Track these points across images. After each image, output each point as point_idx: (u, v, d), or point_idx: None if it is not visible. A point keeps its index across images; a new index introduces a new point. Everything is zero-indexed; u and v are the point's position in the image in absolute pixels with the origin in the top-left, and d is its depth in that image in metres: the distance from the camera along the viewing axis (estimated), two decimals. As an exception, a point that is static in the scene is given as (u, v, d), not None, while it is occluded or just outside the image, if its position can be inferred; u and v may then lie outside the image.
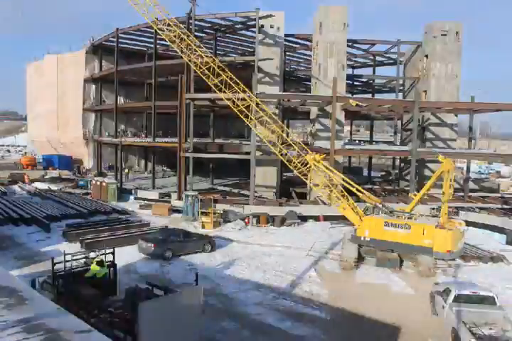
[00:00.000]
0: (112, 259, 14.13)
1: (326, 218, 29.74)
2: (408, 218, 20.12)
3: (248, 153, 34.44)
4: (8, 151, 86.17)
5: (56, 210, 29.49)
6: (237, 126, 72.02)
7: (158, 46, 42.79)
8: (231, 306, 15.37)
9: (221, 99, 39.02)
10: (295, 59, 52.93)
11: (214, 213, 27.43)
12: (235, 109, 26.07)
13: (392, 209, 21.28)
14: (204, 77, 25.98)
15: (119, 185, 37.99)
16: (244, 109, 25.84)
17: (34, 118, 64.00)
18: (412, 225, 19.37)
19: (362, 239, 20.48)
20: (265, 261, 20.81)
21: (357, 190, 21.88)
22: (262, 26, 35.95)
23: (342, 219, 29.70)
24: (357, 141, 60.58)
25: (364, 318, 14.63)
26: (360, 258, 20.53)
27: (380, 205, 21.25)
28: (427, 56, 39.55)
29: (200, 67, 25.80)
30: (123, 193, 37.19)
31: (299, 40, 43.53)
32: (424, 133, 39.24)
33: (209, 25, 40.16)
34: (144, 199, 34.88)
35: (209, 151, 41.88)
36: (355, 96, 52.36)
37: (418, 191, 37.06)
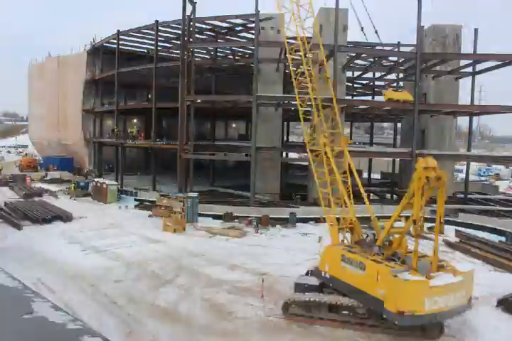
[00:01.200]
0: None
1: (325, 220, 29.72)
2: (376, 254, 14.15)
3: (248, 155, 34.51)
4: (9, 152, 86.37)
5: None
6: (238, 128, 72.05)
7: (159, 48, 42.91)
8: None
9: (221, 101, 39.52)
10: (295, 60, 52.96)
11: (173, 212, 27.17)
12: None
13: (372, 242, 15.02)
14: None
15: (119, 186, 38.09)
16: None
17: (34, 119, 64.12)
18: (367, 265, 13.56)
19: (322, 274, 15.33)
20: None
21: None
22: (263, 28, 36.10)
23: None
24: (357, 143, 60.69)
25: None
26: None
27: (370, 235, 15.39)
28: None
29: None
30: (123, 194, 37.32)
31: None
32: (423, 135, 39.31)
33: (209, 27, 40.29)
34: (144, 201, 34.96)
35: (209, 153, 41.92)
36: (355, 98, 52.48)
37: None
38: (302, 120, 18.97)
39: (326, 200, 16.87)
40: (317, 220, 29.62)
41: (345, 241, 16.06)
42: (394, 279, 12.37)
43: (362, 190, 17.27)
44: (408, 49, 42.18)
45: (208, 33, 42.18)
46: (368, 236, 15.43)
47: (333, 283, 14.85)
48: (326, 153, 17.00)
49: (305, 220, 29.51)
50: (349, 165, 17.06)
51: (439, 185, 12.58)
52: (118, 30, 42.84)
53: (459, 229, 26.96)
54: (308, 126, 19.54)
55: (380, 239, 14.36)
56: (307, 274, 16.24)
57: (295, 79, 18.90)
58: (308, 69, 18.82)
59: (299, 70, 18.96)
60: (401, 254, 13.67)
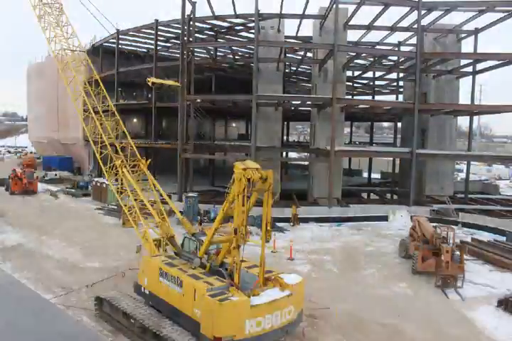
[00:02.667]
0: None
1: (326, 220, 29.74)
2: (197, 267, 12.51)
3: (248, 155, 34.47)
4: (9, 152, 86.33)
5: None
6: (238, 128, 72.02)
7: (158, 48, 42.86)
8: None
9: (221, 101, 39.49)
10: (295, 60, 52.97)
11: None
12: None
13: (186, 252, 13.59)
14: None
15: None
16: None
17: (34, 119, 64.08)
18: (184, 281, 11.79)
19: (142, 289, 13.53)
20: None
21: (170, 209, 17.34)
22: (263, 28, 36.05)
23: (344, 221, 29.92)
24: (357, 143, 60.69)
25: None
26: None
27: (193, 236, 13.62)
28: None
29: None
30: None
31: (300, 41, 43.55)
32: (424, 134, 39.28)
33: (209, 26, 40.23)
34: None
35: (209, 152, 41.89)
36: (355, 98, 52.46)
37: (420, 193, 37.45)
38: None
39: (133, 214, 15.97)
40: (318, 220, 29.63)
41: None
42: (209, 300, 10.65)
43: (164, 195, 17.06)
44: (408, 48, 42.20)
45: (208, 32, 42.13)
46: (184, 242, 13.90)
47: (153, 300, 12.96)
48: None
49: (305, 220, 29.45)
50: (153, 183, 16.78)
51: (266, 186, 11.35)
52: (117, 30, 42.78)
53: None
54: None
55: (202, 249, 12.62)
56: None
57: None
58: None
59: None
60: (229, 265, 12.06)
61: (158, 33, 40.75)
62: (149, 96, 42.65)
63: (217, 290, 11.01)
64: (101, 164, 17.15)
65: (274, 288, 11.68)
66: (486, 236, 26.04)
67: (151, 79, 22.30)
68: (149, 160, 17.70)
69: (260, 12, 32.44)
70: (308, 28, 39.94)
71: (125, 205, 16.40)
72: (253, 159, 32.31)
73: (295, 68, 49.10)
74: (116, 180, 16.86)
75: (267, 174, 11.20)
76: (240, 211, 11.02)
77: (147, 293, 13.24)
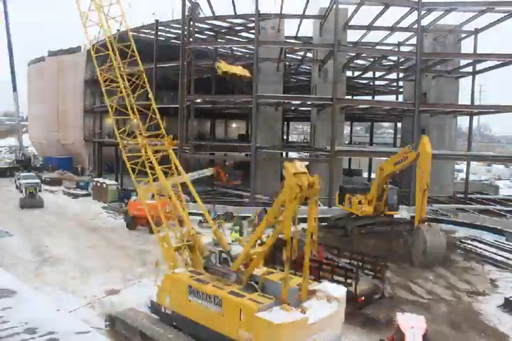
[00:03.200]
0: None
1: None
2: (233, 283, 11.11)
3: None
4: (9, 152, 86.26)
5: None
6: (238, 128, 72.01)
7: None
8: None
9: (222, 101, 39.52)
10: (295, 60, 53.01)
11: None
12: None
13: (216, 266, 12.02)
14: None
15: (119, 186, 38.00)
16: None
17: (34, 119, 64.08)
18: (224, 300, 10.50)
19: (162, 309, 12.21)
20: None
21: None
22: (263, 28, 36.05)
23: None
24: (357, 143, 60.70)
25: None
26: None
27: (223, 253, 12.28)
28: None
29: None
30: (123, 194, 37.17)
31: (300, 41, 43.60)
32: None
33: (209, 26, 40.25)
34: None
35: (209, 153, 41.90)
36: (355, 98, 52.48)
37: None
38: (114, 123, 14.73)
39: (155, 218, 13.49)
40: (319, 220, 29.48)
41: (188, 264, 12.84)
42: (263, 320, 9.36)
43: (195, 195, 13.95)
44: (408, 49, 42.23)
45: (208, 32, 42.14)
46: (211, 254, 12.32)
47: (178, 321, 11.69)
48: (148, 157, 13.55)
49: (305, 220, 29.29)
50: (176, 167, 13.95)
51: (312, 193, 10.02)
52: (118, 30, 42.74)
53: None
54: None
55: (237, 263, 11.33)
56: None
57: (100, 74, 15.37)
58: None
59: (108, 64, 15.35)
60: (259, 278, 11.24)
61: (159, 33, 40.74)
62: (149, 96, 42.55)
63: (268, 308, 9.78)
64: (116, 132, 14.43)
65: (321, 301, 10.46)
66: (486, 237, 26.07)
67: (221, 66, 16.83)
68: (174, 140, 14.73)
69: (260, 12, 32.45)
70: (308, 28, 40.02)
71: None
72: (253, 159, 32.40)
73: (295, 68, 49.15)
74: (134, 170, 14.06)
75: (314, 179, 9.91)
76: (290, 221, 9.90)
77: (169, 312, 11.88)
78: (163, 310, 12.13)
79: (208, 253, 12.35)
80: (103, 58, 15.80)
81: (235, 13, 34.99)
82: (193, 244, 12.64)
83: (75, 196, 37.87)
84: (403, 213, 28.86)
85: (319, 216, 28.74)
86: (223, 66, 16.99)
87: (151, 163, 13.43)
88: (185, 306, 11.39)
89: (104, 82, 15.07)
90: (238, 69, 17.48)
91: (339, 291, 10.92)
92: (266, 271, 11.80)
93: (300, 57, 41.93)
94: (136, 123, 13.86)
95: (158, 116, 14.92)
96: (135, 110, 14.22)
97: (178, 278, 11.89)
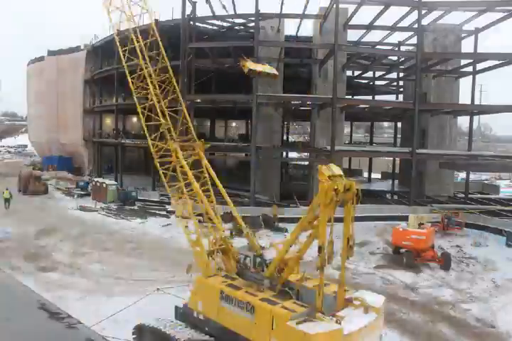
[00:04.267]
0: None
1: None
2: (266, 288, 10.87)
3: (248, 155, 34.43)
4: (9, 152, 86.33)
5: None
6: (237, 127, 71.93)
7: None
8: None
9: (221, 101, 39.47)
10: (295, 60, 52.93)
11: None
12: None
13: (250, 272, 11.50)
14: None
15: (119, 186, 37.97)
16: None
17: (33, 119, 64.03)
18: (257, 307, 10.17)
19: (195, 315, 11.84)
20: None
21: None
22: (262, 28, 36.01)
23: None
24: (357, 143, 60.64)
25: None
26: None
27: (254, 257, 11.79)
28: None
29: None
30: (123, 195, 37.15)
31: (299, 41, 43.57)
32: (424, 134, 39.26)
33: (210, 26, 40.18)
34: (145, 201, 34.86)
35: (209, 153, 41.81)
36: (355, 97, 52.40)
37: (420, 192, 37.41)
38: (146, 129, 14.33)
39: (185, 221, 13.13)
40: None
41: (221, 269, 12.54)
42: (295, 330, 9.00)
43: (226, 198, 13.65)
44: (409, 48, 42.18)
45: (208, 32, 42.03)
46: (244, 258, 11.83)
47: (210, 326, 11.38)
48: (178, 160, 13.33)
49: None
50: (208, 171, 13.80)
51: (348, 197, 9.81)
52: (118, 30, 42.70)
53: None
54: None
55: (271, 269, 10.97)
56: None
57: (132, 82, 14.95)
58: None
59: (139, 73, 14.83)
60: (295, 285, 10.92)
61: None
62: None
63: (302, 317, 9.34)
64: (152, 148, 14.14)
65: (357, 311, 9.95)
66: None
67: (247, 64, 14.89)
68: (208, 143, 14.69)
69: (260, 12, 32.41)
70: (308, 28, 39.98)
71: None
72: (253, 159, 32.33)
73: (295, 67, 49.01)
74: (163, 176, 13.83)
75: (350, 183, 9.69)
76: (325, 227, 9.55)
77: (201, 318, 11.55)
78: (195, 315, 11.77)
79: (241, 257, 11.94)
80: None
81: (235, 12, 34.95)
82: (226, 248, 12.40)
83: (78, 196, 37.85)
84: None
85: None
86: (250, 64, 15.13)
87: (182, 167, 13.29)
88: (217, 312, 11.05)
89: (136, 89, 14.96)
90: (267, 68, 15.84)
91: (378, 300, 10.38)
92: (302, 276, 11.27)
93: (300, 57, 41.82)
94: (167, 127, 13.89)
95: (189, 119, 14.94)
96: (166, 115, 14.16)
97: (210, 283, 11.58)
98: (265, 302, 10.12)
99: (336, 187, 9.29)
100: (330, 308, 9.92)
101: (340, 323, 9.23)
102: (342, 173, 9.72)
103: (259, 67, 15.40)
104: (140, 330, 12.11)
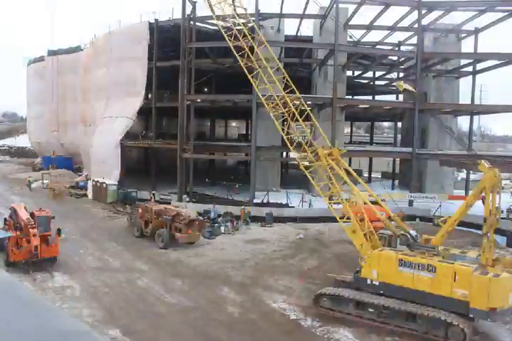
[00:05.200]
0: None
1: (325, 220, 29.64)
2: (433, 255, 14.35)
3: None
4: (9, 153, 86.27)
5: None
6: (237, 127, 71.95)
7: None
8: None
9: (221, 101, 39.43)
10: (295, 60, 52.93)
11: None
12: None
13: (418, 244, 15.22)
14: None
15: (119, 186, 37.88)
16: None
17: (33, 119, 63.99)
18: (438, 266, 13.50)
19: (368, 282, 14.93)
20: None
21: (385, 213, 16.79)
22: (262, 27, 35.99)
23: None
24: (357, 143, 60.57)
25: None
26: None
27: (409, 235, 15.38)
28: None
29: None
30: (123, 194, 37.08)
31: (300, 41, 43.56)
32: (424, 134, 39.26)
33: (210, 26, 40.12)
34: (145, 200, 34.77)
35: (209, 152, 41.79)
36: (355, 97, 52.37)
37: (420, 192, 37.35)
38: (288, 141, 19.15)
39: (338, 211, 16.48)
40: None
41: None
42: (482, 278, 12.67)
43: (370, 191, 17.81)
44: (409, 48, 42.17)
45: (208, 32, 41.99)
46: (407, 236, 15.42)
47: (386, 289, 14.51)
48: (323, 164, 17.16)
49: (304, 220, 29.33)
50: (349, 172, 17.32)
51: (497, 182, 13.66)
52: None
53: None
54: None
55: (438, 240, 14.80)
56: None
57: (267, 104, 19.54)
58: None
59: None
60: (438, 249, 14.38)
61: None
62: (149, 96, 42.45)
63: (479, 269, 13.05)
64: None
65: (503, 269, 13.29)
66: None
67: (403, 86, 23.01)
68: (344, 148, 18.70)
69: (260, 12, 32.41)
70: (308, 28, 39.96)
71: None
72: (253, 159, 32.30)
73: (296, 67, 48.99)
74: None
75: (498, 172, 13.57)
76: (491, 204, 13.40)
77: (376, 283, 14.65)
78: (368, 282, 14.81)
79: (381, 235, 15.62)
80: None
81: (235, 12, 34.89)
82: (373, 231, 15.55)
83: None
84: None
85: (320, 216, 28.48)
86: (403, 85, 23.25)
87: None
88: (396, 276, 14.21)
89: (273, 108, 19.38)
90: (411, 86, 24.26)
91: None
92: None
93: (300, 57, 41.82)
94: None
95: (318, 125, 19.93)
96: (304, 127, 18.82)
97: (388, 254, 14.81)
98: (443, 262, 13.58)
99: (496, 174, 13.46)
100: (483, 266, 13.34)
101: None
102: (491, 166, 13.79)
103: (404, 86, 23.32)
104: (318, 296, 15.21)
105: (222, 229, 25.94)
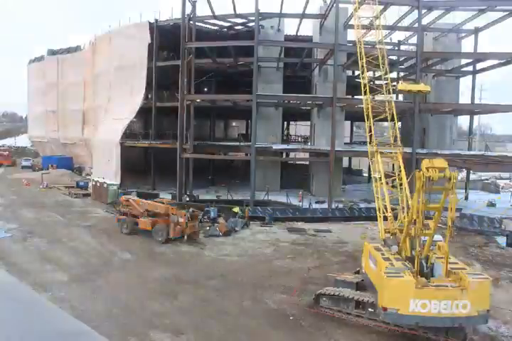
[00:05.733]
0: None
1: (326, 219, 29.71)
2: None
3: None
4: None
5: None
6: (237, 127, 71.96)
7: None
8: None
9: (221, 100, 39.44)
10: (295, 60, 52.91)
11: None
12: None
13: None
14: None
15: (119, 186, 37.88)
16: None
17: (34, 119, 64.06)
18: (378, 260, 13.90)
19: (362, 270, 15.84)
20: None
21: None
22: (262, 27, 36.01)
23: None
24: (357, 143, 60.53)
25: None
26: None
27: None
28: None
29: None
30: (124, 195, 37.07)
31: (300, 41, 43.55)
32: (424, 134, 39.26)
33: (210, 26, 40.14)
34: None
35: (209, 152, 41.77)
36: (355, 97, 52.37)
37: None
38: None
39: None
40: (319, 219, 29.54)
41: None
42: (382, 274, 12.82)
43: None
44: (409, 48, 42.17)
45: (208, 32, 41.99)
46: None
47: (366, 279, 15.09)
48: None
49: (304, 220, 29.36)
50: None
51: (449, 186, 12.54)
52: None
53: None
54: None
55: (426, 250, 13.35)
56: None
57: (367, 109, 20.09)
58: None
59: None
60: (435, 260, 13.43)
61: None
62: (149, 96, 42.48)
63: (394, 270, 12.74)
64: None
65: (451, 282, 12.51)
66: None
67: (400, 87, 20.44)
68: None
69: (260, 11, 32.40)
70: (308, 28, 39.96)
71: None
72: (253, 159, 32.31)
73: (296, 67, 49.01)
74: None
75: (452, 174, 12.41)
76: (419, 206, 12.91)
77: (364, 272, 15.42)
78: (362, 271, 15.67)
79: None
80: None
81: (235, 12, 34.92)
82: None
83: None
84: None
85: (320, 216, 28.36)
86: (401, 86, 20.60)
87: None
88: (368, 267, 14.93)
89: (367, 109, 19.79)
90: (420, 87, 20.53)
91: (478, 278, 12.50)
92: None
93: (300, 57, 41.81)
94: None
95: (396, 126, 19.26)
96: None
97: (367, 246, 15.44)
98: (383, 259, 13.65)
99: (428, 175, 12.34)
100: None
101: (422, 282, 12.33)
102: (446, 166, 12.43)
103: (408, 87, 20.73)
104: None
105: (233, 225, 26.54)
